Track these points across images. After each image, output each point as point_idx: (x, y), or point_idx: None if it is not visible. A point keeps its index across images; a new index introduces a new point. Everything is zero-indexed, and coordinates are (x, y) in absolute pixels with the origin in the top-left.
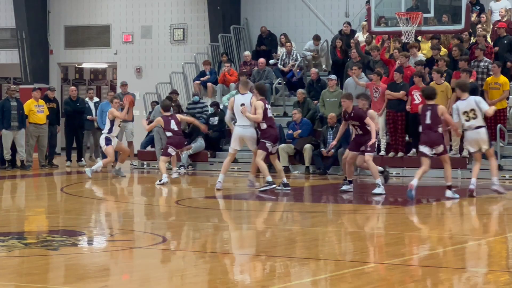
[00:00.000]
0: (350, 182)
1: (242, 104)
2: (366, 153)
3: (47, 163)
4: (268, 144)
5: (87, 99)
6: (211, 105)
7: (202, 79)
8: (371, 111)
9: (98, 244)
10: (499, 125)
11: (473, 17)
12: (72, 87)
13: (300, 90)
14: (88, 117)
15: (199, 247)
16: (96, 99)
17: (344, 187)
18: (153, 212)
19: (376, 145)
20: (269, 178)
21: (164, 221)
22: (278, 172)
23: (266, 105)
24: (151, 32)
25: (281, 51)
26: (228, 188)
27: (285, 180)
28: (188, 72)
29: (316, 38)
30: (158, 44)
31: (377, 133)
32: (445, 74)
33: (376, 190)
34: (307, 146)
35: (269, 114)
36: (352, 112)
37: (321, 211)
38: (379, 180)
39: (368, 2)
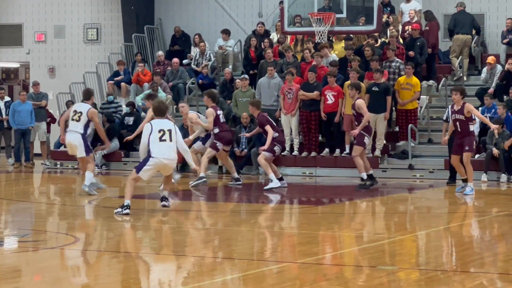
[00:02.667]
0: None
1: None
2: (262, 152)
3: None
4: (218, 145)
5: None
6: (127, 105)
7: (116, 79)
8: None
9: (9, 245)
10: (410, 125)
11: (384, 18)
12: None
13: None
14: None
15: (112, 247)
16: (7, 98)
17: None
18: (67, 212)
19: (274, 147)
20: (202, 174)
21: (77, 221)
22: (230, 168)
23: (218, 112)
24: (64, 31)
25: (194, 51)
26: (142, 188)
27: (235, 175)
28: (102, 72)
29: (225, 32)
30: (71, 43)
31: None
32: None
33: (270, 185)
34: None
35: (221, 120)
36: (257, 118)
37: (234, 211)
38: (272, 175)
39: (281, 3)
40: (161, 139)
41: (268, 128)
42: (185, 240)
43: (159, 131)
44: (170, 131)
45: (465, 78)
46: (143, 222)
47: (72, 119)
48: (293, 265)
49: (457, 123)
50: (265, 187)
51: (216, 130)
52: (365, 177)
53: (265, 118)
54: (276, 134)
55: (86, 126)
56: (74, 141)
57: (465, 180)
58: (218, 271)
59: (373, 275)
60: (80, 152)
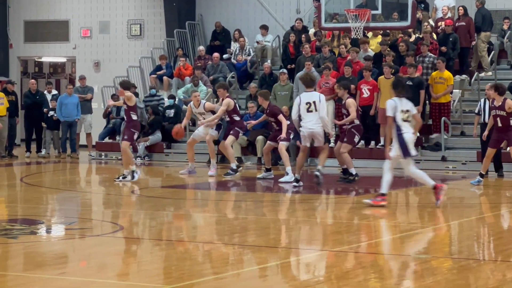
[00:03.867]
0: (268, 170)
1: (308, 103)
2: (280, 142)
3: (7, 154)
4: (240, 133)
5: (45, 92)
6: (169, 98)
7: (158, 73)
8: (349, 100)
9: (57, 232)
10: (443, 118)
11: (419, 14)
12: (32, 80)
13: (252, 84)
14: (44, 110)
15: (155, 235)
16: (54, 91)
17: (263, 175)
18: (111, 201)
19: (290, 136)
20: (233, 165)
21: (122, 210)
22: (230, 156)
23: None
24: (109, 27)
25: (234, 46)
26: (183, 179)
27: (233, 165)
28: (145, 66)
29: (264, 28)
30: (115, 39)
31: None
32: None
33: (284, 179)
34: (260, 137)
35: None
36: (267, 109)
37: (273, 201)
38: (289, 169)
39: (317, 0)
40: (308, 110)
41: (281, 117)
42: (224, 229)
43: (307, 103)
44: (315, 102)
45: (490, 73)
46: (184, 211)
47: None
48: (330, 253)
49: (498, 119)
50: (280, 179)
51: (237, 118)
52: (354, 172)
53: (277, 108)
54: (288, 122)
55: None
56: None
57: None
58: (256, 259)
59: (407, 264)
60: None
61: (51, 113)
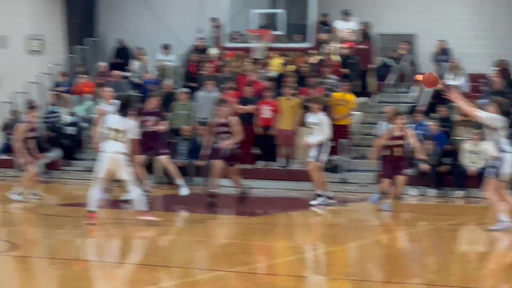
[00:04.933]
0: None
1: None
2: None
3: None
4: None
5: None
6: (69, 115)
7: (58, 89)
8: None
9: None
10: (343, 140)
11: (322, 36)
12: None
13: None
14: None
15: (51, 254)
16: None
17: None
18: (6, 219)
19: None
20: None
21: (17, 228)
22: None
23: None
24: (7, 42)
25: (135, 64)
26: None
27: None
28: (45, 82)
29: (166, 47)
30: (14, 54)
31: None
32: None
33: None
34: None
35: None
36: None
37: (171, 220)
38: (181, 181)
39: (218, 19)
40: None
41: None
42: (124, 248)
43: None
44: None
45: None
46: (82, 229)
47: None
48: (227, 273)
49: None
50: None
51: None
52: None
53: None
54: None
55: None
56: None
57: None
58: (155, 278)
59: (304, 285)
60: None
61: None
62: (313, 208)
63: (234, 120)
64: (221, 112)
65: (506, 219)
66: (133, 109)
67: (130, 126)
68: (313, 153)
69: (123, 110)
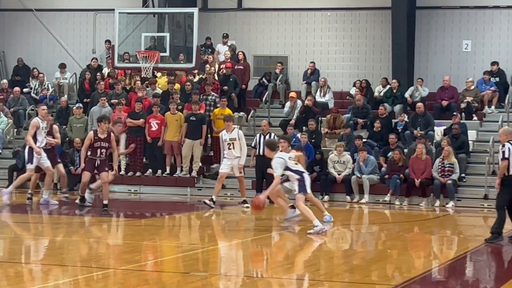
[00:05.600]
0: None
1: None
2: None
3: None
4: None
5: None
6: None
7: None
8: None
9: None
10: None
11: (207, 57)
12: None
13: (50, 117)
14: None
15: None
16: None
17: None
18: None
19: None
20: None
21: None
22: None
23: None
24: None
25: (34, 81)
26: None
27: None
28: None
29: (61, 66)
30: None
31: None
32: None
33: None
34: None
35: None
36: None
37: (66, 223)
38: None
39: (108, 42)
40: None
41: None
42: (21, 249)
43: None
44: None
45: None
46: None
47: None
48: (118, 271)
49: None
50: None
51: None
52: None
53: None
54: None
55: None
56: None
57: None
58: (49, 276)
59: (187, 280)
60: None
61: None
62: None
63: (113, 136)
64: (101, 129)
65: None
66: None
67: None
68: (241, 161)
69: None
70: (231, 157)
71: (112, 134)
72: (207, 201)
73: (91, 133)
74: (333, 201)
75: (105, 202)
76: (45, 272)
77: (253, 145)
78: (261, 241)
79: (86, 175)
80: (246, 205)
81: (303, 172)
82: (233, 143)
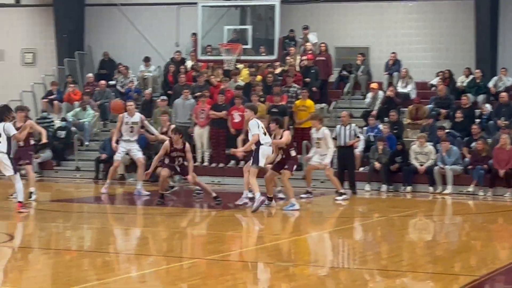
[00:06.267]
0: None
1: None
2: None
3: None
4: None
5: None
6: (61, 120)
7: (49, 97)
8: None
9: None
10: (305, 141)
11: (289, 49)
12: None
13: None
14: None
15: (43, 245)
16: None
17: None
18: (2, 214)
19: None
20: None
21: (12, 222)
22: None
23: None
24: (3, 55)
25: (119, 75)
26: (71, 192)
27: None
28: (37, 91)
29: (146, 60)
30: (10, 65)
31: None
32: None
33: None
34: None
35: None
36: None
37: (152, 214)
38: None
39: (194, 34)
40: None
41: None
42: (108, 239)
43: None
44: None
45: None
46: (72, 222)
47: None
48: (202, 261)
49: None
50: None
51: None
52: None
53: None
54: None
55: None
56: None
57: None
58: (135, 266)
59: (272, 270)
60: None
61: None
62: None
63: (188, 147)
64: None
65: None
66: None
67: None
68: (327, 159)
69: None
70: (318, 154)
71: (186, 144)
72: (303, 196)
73: (167, 143)
74: (416, 192)
75: (214, 194)
76: (131, 262)
77: (333, 136)
78: (344, 231)
79: (165, 170)
80: (343, 196)
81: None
82: (319, 142)
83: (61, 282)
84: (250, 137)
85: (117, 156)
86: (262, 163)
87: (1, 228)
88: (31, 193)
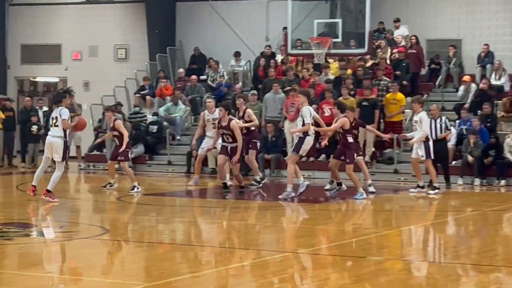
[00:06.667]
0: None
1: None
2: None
3: (8, 164)
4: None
5: (37, 107)
6: (152, 115)
7: (141, 92)
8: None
9: (49, 235)
10: (396, 135)
11: (379, 42)
12: (27, 98)
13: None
14: (33, 127)
15: (137, 238)
16: (45, 108)
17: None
18: (98, 207)
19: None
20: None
21: (107, 215)
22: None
23: None
24: (97, 51)
25: (209, 70)
26: (163, 186)
27: (257, 177)
28: (130, 86)
29: (236, 55)
30: (103, 61)
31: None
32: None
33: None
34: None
35: None
36: (353, 122)
37: (243, 207)
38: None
39: (285, 28)
40: None
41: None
42: (200, 232)
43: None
44: None
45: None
46: (165, 216)
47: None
48: (293, 254)
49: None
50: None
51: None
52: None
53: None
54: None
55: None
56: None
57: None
58: (228, 259)
59: (363, 264)
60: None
61: (34, 127)
62: (426, 195)
63: (234, 124)
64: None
65: None
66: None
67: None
68: (421, 151)
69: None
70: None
71: (232, 121)
72: (431, 191)
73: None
74: (510, 186)
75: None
76: (222, 255)
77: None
78: (437, 226)
79: (220, 158)
80: (436, 190)
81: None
82: (415, 125)
83: (154, 275)
84: (299, 122)
85: (200, 151)
86: (303, 151)
87: (96, 221)
88: (134, 186)
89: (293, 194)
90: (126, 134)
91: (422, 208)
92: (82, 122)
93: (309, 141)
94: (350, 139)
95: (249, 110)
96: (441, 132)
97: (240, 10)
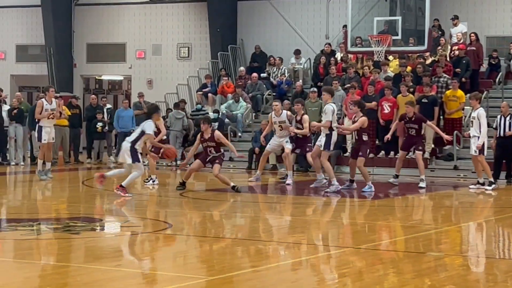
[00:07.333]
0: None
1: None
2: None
3: (74, 160)
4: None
5: (101, 105)
6: (213, 112)
7: (204, 90)
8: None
9: (114, 229)
10: (455, 132)
11: (443, 40)
12: (93, 96)
13: (286, 101)
14: (99, 124)
15: (199, 232)
16: (108, 105)
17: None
18: (161, 202)
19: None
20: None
21: (170, 210)
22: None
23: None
24: (161, 49)
25: (270, 68)
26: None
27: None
28: (192, 84)
29: (296, 53)
30: (166, 60)
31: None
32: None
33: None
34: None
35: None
36: (413, 117)
37: (304, 203)
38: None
39: (345, 26)
40: None
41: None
42: (260, 227)
43: None
44: None
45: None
46: (226, 211)
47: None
48: (352, 250)
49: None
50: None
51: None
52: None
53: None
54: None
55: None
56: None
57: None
58: (288, 254)
59: (423, 260)
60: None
61: (99, 124)
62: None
63: (218, 134)
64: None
65: None
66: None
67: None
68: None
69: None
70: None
71: (215, 133)
72: (487, 187)
73: (199, 135)
74: None
75: (232, 184)
76: (282, 250)
77: (494, 126)
78: (496, 222)
79: (195, 163)
80: (492, 186)
81: None
82: (473, 121)
83: (216, 269)
84: (323, 117)
85: (268, 148)
86: (332, 147)
87: (160, 216)
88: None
89: (339, 187)
90: (163, 132)
91: (482, 204)
92: (172, 151)
93: (334, 136)
94: (365, 138)
95: (305, 116)
96: (509, 129)
97: (301, 8)
